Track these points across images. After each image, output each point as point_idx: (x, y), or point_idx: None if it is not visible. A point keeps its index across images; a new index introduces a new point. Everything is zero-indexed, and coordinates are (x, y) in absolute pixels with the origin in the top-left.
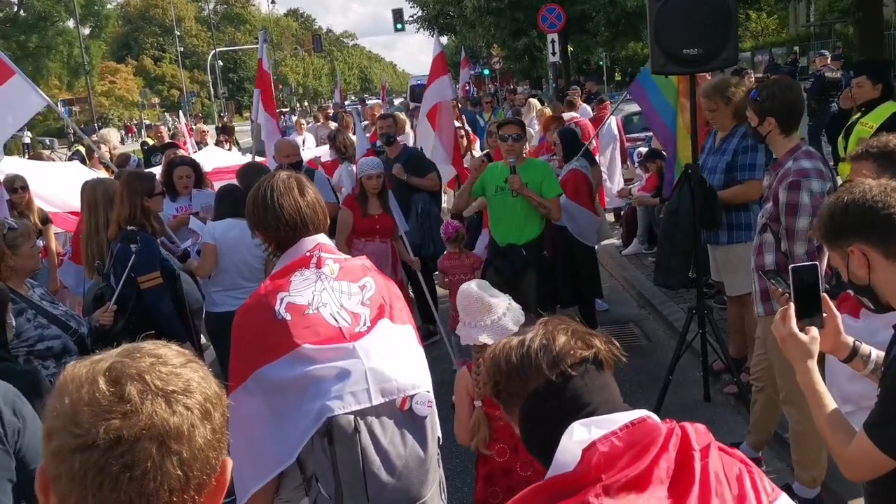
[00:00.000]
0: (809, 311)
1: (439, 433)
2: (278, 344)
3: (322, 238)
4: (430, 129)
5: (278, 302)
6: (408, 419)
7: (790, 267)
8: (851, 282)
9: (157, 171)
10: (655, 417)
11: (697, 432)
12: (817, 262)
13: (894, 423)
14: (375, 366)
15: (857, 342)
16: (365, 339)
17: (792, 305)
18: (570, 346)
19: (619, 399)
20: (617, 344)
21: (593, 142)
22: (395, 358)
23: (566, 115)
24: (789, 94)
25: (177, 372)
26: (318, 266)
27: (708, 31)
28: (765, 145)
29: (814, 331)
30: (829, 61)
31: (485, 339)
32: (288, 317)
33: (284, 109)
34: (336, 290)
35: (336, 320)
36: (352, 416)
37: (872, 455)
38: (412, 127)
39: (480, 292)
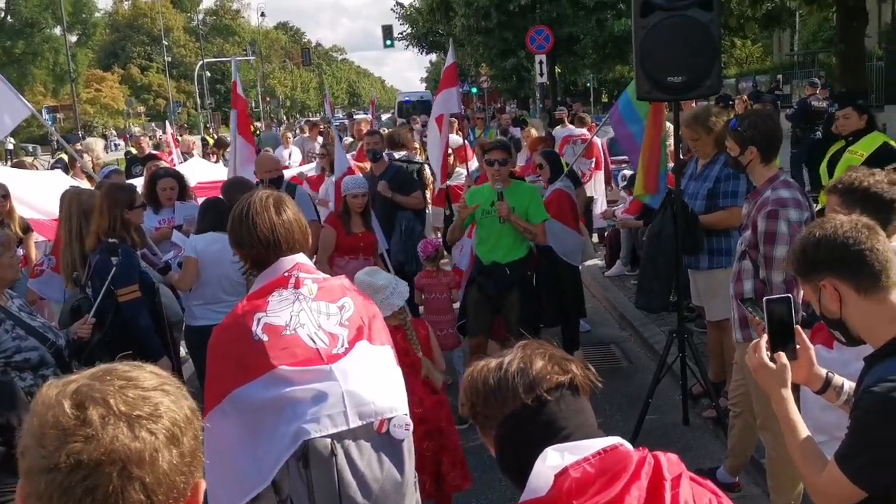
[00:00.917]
0: (783, 343)
1: None
2: (255, 365)
3: (301, 258)
4: (439, 135)
5: (255, 322)
6: (385, 442)
7: (764, 299)
8: (823, 315)
9: (138, 182)
10: (628, 445)
11: (669, 461)
12: (791, 295)
13: (864, 454)
14: (353, 388)
15: (830, 374)
16: (343, 360)
17: (765, 337)
18: (547, 371)
19: (593, 424)
20: (593, 370)
21: (593, 161)
22: (373, 380)
23: (577, 132)
24: (770, 122)
25: (146, 395)
26: (297, 286)
27: (692, 59)
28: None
29: (783, 357)
30: (817, 91)
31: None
32: (265, 338)
33: (258, 124)
34: (314, 311)
35: (314, 341)
36: (328, 440)
37: (843, 485)
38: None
39: (368, 278)
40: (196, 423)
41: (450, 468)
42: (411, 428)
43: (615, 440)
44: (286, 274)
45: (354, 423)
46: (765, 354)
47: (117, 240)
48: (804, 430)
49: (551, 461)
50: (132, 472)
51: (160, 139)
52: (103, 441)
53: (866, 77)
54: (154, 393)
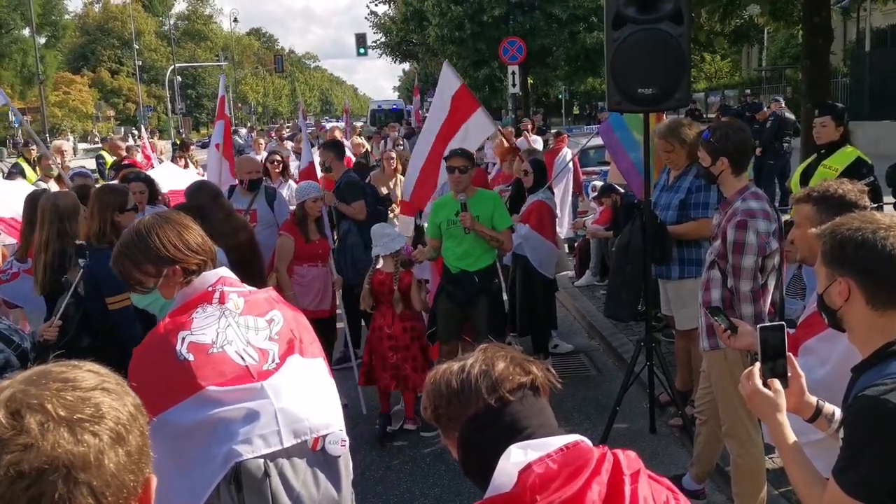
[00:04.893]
0: (775, 371)
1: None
2: (181, 386)
3: (224, 271)
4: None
5: (180, 342)
6: (320, 459)
7: (758, 327)
8: (821, 296)
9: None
10: (588, 442)
11: (628, 458)
12: (784, 323)
13: (859, 465)
14: (286, 406)
15: (820, 402)
16: (274, 377)
17: (758, 365)
18: (509, 372)
19: (554, 423)
20: (553, 371)
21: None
22: (306, 396)
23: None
24: (741, 135)
25: (85, 397)
26: (222, 301)
27: (662, 72)
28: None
29: (776, 383)
30: (783, 104)
31: (378, 251)
32: (190, 357)
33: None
34: (242, 326)
35: (242, 358)
36: (261, 460)
37: (843, 502)
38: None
39: (380, 228)
40: (141, 419)
41: (412, 372)
42: (347, 444)
43: (576, 437)
44: (210, 288)
45: (288, 441)
46: (758, 381)
47: (106, 244)
48: (805, 459)
49: (515, 458)
50: (78, 477)
51: (131, 144)
52: (44, 449)
53: (832, 93)
54: (94, 393)
